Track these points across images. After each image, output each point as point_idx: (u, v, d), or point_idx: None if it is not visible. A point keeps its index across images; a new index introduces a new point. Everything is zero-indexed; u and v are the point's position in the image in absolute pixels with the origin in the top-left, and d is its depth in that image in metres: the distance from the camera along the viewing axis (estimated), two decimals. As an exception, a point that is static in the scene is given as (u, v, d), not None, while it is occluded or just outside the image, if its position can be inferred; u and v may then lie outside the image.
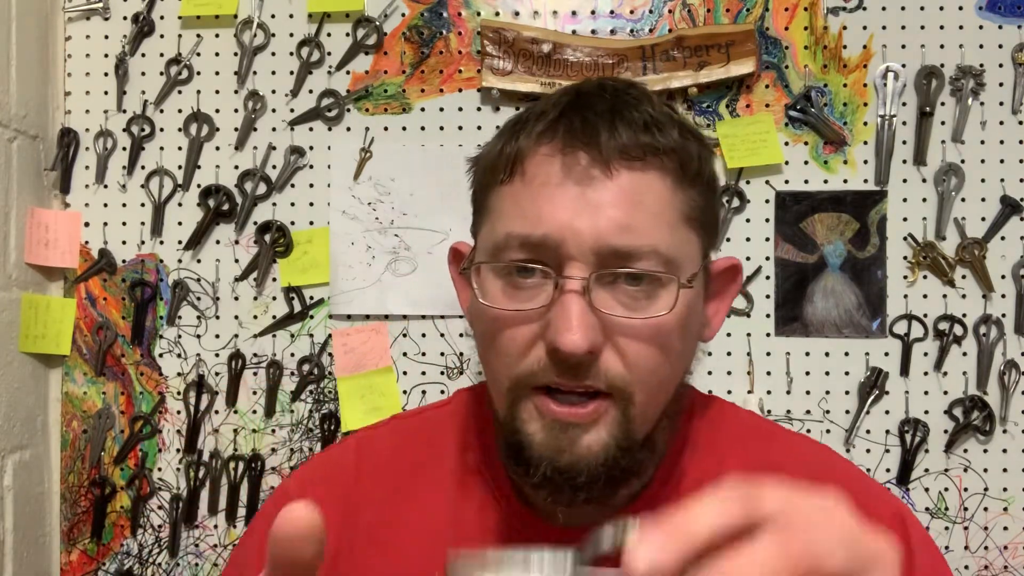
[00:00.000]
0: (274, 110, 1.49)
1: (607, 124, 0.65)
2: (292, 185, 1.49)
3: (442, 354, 1.47)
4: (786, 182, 1.45)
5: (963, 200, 1.43)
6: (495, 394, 0.69)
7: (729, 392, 1.44)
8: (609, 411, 0.65)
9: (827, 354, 1.43)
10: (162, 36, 1.51)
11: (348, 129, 1.48)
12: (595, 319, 0.62)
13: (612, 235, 0.63)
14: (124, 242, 1.50)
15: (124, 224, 1.50)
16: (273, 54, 1.49)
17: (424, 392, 1.47)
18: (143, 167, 1.50)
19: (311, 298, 1.48)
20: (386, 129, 1.48)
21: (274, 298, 1.49)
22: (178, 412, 1.49)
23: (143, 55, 1.51)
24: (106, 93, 1.51)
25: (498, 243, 0.67)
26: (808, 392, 1.44)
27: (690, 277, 0.66)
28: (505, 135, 0.70)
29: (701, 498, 0.35)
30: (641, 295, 0.64)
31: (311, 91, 1.49)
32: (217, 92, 1.50)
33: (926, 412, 1.43)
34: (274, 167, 1.49)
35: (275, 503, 0.82)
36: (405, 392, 1.47)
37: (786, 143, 1.45)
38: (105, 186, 1.51)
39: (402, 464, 0.78)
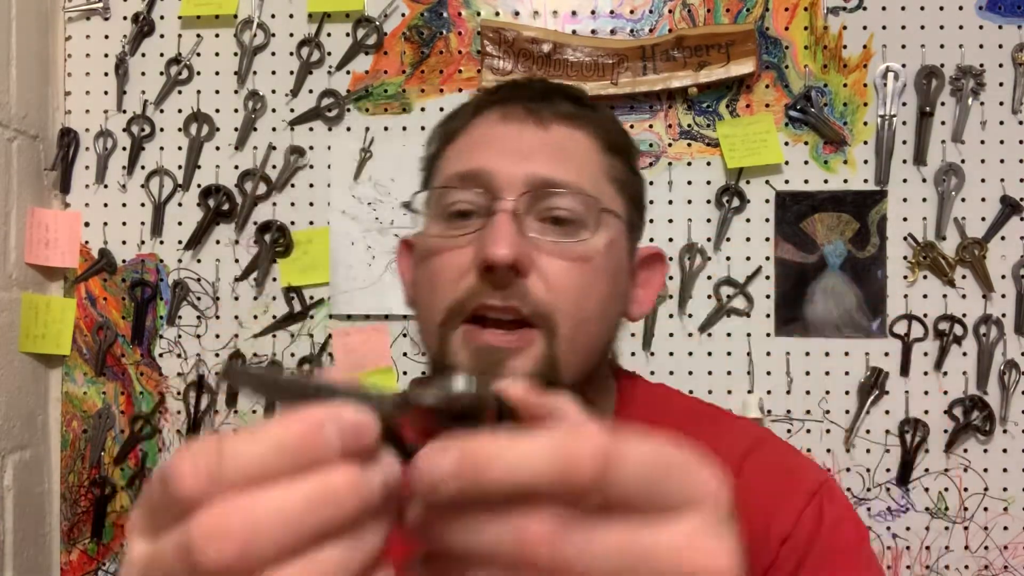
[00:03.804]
0: (274, 110, 1.49)
1: (542, 95, 0.74)
2: (292, 185, 1.49)
3: (442, 354, 1.47)
4: (786, 182, 1.45)
5: (963, 200, 1.43)
6: (427, 336, 0.71)
7: (729, 392, 1.44)
8: (535, 342, 0.66)
9: (827, 354, 1.43)
10: (162, 36, 1.51)
11: (348, 129, 1.48)
12: (523, 238, 0.66)
13: (541, 168, 0.68)
14: (124, 242, 1.50)
15: (124, 224, 1.50)
16: (273, 54, 1.49)
17: (424, 392, 1.47)
18: (143, 167, 1.50)
19: (311, 298, 1.48)
20: (386, 129, 1.48)
21: (274, 298, 1.49)
22: (178, 412, 1.49)
23: (143, 55, 1.51)
24: (106, 93, 1.51)
25: (441, 183, 0.72)
26: (808, 392, 1.44)
27: (612, 209, 0.70)
28: (451, 112, 0.79)
29: (519, 439, 0.30)
30: (567, 227, 0.68)
31: (311, 91, 1.49)
32: (217, 92, 1.50)
33: (926, 412, 1.43)
34: (274, 167, 1.49)
35: None
36: (405, 392, 1.47)
37: (786, 143, 1.45)
38: (105, 186, 1.51)
39: None
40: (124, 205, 1.51)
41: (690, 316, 1.45)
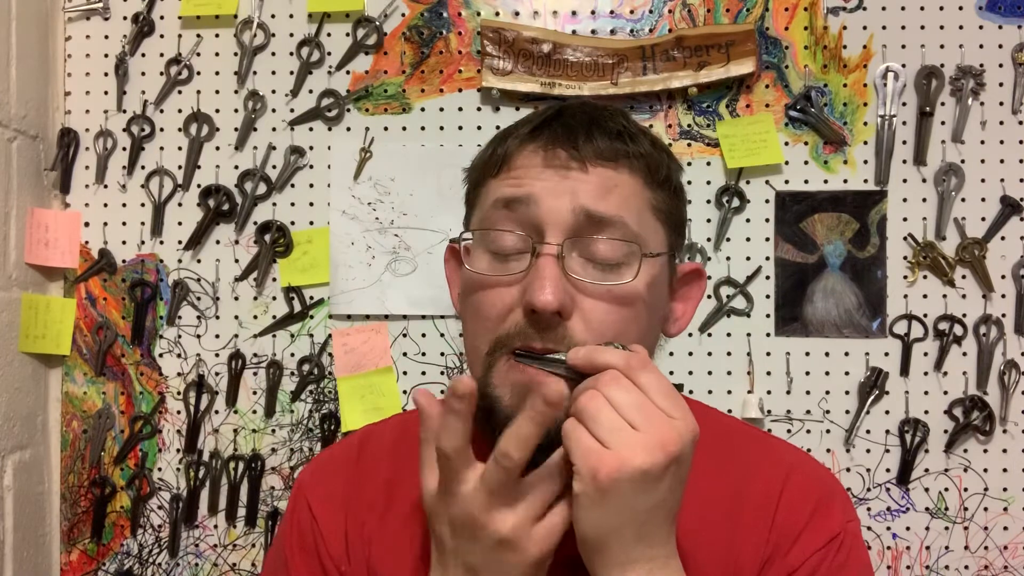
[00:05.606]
0: (274, 110, 1.49)
1: (585, 131, 0.73)
2: (292, 185, 1.49)
3: (442, 354, 1.47)
4: (786, 182, 1.45)
5: (963, 200, 1.43)
6: (473, 359, 0.75)
7: (729, 392, 1.44)
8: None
9: (827, 354, 1.44)
10: (162, 36, 1.51)
11: (348, 129, 1.48)
12: (566, 283, 0.69)
13: (587, 202, 0.70)
14: (124, 242, 1.50)
15: (124, 224, 1.50)
16: (273, 54, 1.49)
17: (424, 392, 1.47)
18: (143, 167, 1.50)
19: (311, 298, 1.48)
20: (386, 129, 1.48)
21: (274, 298, 1.49)
22: (178, 412, 1.49)
23: (143, 55, 1.51)
24: (106, 93, 1.51)
25: (485, 214, 0.74)
26: (808, 392, 1.44)
27: (654, 252, 0.73)
28: (494, 141, 0.78)
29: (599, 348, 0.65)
30: (609, 268, 0.71)
31: (311, 91, 1.49)
32: (217, 92, 1.50)
33: (926, 412, 1.43)
34: (274, 167, 1.49)
35: (294, 500, 0.86)
36: (405, 392, 1.47)
37: (786, 143, 1.45)
38: (105, 186, 1.51)
39: (401, 450, 0.84)
40: (124, 205, 1.51)
41: (690, 316, 1.45)
